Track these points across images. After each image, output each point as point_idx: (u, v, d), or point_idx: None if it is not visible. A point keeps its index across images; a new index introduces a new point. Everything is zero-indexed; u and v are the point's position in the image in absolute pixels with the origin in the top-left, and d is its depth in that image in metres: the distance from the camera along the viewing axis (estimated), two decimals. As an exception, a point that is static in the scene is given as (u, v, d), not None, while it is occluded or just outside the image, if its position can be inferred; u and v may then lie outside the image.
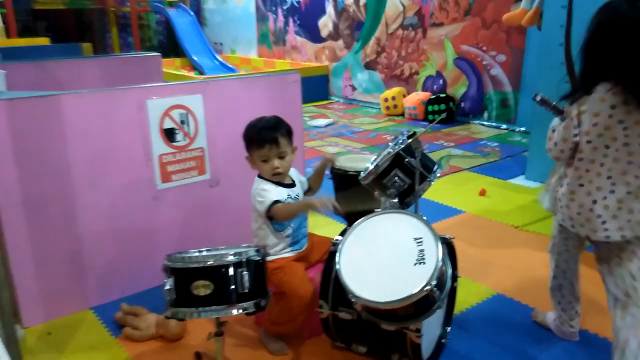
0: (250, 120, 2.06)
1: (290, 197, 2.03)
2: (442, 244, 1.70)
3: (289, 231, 2.05)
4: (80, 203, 2.29)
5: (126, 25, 9.86)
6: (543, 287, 2.50)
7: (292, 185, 2.08)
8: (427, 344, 1.87)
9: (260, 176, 2.05)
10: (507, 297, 2.42)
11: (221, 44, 9.99)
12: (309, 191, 2.17)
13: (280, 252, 2.04)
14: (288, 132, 2.03)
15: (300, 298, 1.93)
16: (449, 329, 2.07)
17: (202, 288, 1.63)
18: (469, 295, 2.42)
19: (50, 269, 2.27)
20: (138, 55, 4.35)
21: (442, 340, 2.03)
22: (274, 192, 1.98)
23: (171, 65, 9.00)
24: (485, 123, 5.91)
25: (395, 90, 6.62)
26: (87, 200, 2.31)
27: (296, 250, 2.08)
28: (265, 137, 1.96)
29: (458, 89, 6.17)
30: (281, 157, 1.99)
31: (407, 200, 2.03)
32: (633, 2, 1.65)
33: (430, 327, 1.88)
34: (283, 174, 2.04)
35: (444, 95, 6.11)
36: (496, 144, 5.12)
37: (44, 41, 6.69)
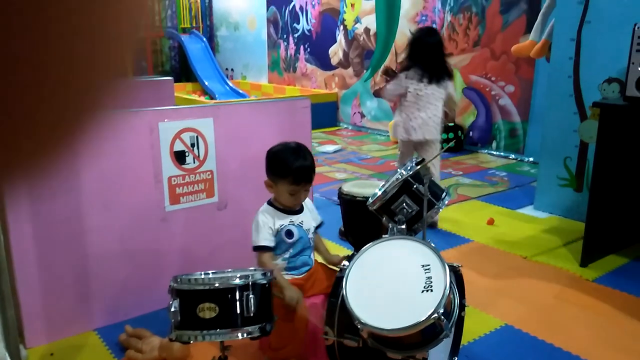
0: (273, 145, 2.06)
1: (293, 224, 2.04)
2: (450, 272, 1.69)
3: (285, 256, 2.05)
4: (89, 224, 2.30)
5: (140, 50, 10.03)
6: (552, 318, 2.47)
7: (298, 212, 2.08)
8: (434, 374, 1.83)
9: (270, 202, 2.07)
10: (516, 329, 2.38)
11: (232, 69, 10.12)
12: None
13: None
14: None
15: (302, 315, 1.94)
16: (456, 359, 2.03)
17: (208, 311, 1.62)
18: (477, 325, 2.39)
19: (55, 290, 2.27)
20: (151, 79, 4.41)
21: (449, 371, 1.99)
22: (270, 223, 2.00)
23: (183, 90, 9.11)
24: (494, 152, 5.91)
25: (404, 119, 6.64)
26: (96, 220, 2.32)
27: (293, 275, 2.07)
28: (304, 176, 1.99)
29: (467, 118, 6.19)
30: (306, 191, 2.04)
31: (415, 227, 2.02)
32: (428, 32, 3.59)
33: (437, 357, 1.85)
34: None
35: (452, 124, 6.13)
36: (504, 173, 5.11)
37: (59, 64, 6.79)
